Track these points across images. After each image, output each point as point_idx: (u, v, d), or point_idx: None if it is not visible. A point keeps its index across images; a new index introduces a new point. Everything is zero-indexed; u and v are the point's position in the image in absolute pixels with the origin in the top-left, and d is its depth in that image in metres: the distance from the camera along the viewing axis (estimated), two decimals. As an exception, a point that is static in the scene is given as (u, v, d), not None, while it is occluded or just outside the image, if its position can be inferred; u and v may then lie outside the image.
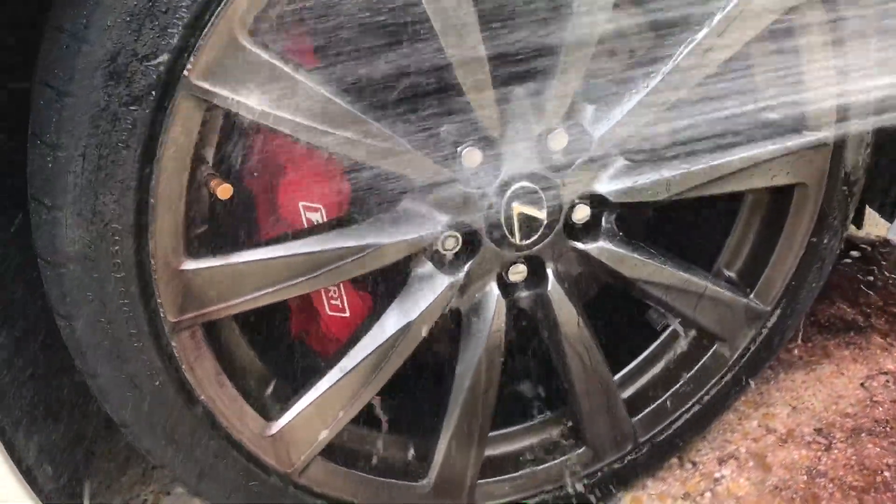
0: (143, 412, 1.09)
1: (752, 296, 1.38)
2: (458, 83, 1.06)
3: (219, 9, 0.91)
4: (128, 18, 0.89)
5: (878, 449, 1.51)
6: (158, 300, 1.03)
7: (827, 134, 1.26)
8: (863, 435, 1.54)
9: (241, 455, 1.16)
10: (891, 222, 1.47)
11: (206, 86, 0.94)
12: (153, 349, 1.05)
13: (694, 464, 1.51)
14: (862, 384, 1.65)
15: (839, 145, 1.28)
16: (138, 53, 0.90)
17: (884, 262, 1.96)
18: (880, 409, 1.59)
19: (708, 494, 1.46)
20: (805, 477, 1.48)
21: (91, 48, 0.89)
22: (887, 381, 1.65)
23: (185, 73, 0.92)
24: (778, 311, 1.41)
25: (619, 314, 1.41)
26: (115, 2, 0.88)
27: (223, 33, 0.93)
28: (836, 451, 1.52)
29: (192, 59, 0.92)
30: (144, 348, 1.05)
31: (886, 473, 1.47)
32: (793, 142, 1.24)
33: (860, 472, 1.47)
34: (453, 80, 1.06)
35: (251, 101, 0.96)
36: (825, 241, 1.36)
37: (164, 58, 0.91)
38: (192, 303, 1.04)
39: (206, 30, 0.92)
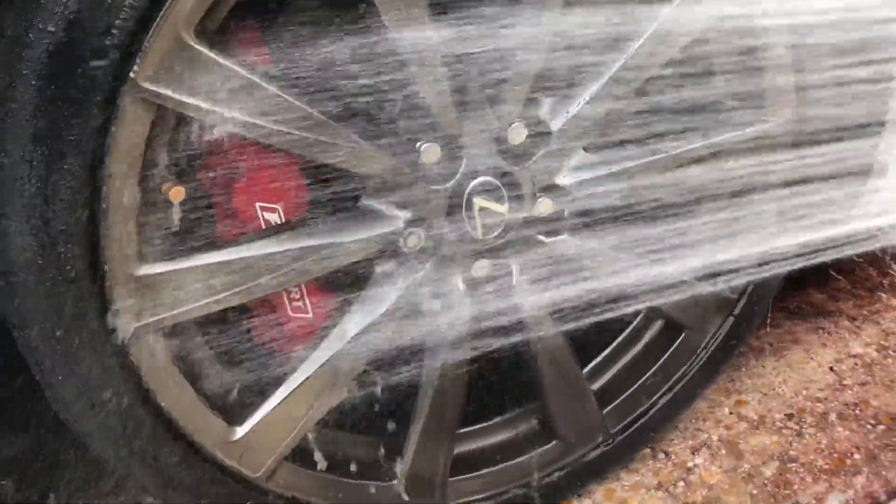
0: (103, 421, 1.07)
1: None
2: (414, 78, 1.05)
3: (163, 9, 0.90)
4: (70, 21, 0.87)
5: (848, 432, 1.52)
6: (114, 308, 1.01)
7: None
8: (833, 419, 1.55)
9: (206, 461, 1.14)
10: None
11: (154, 88, 0.92)
12: (111, 357, 1.03)
13: (667, 453, 1.52)
14: (831, 368, 1.66)
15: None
16: (82, 56, 0.88)
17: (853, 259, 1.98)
18: (849, 392, 1.60)
19: (681, 483, 1.46)
20: (777, 463, 1.48)
21: (33, 52, 0.88)
22: (856, 364, 1.66)
23: (132, 75, 0.91)
24: (744, 299, 1.41)
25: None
26: (56, 5, 0.86)
27: (169, 34, 0.91)
28: (806, 436, 1.52)
29: (138, 61, 0.90)
30: (101, 357, 1.03)
31: (856, 456, 1.48)
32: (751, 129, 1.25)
33: (830, 456, 1.48)
34: (409, 76, 1.05)
35: (201, 102, 0.95)
36: (789, 227, 1.36)
37: (108, 60, 0.89)
38: (149, 309, 1.03)
39: (151, 31, 0.90)
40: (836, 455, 1.48)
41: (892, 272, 1.88)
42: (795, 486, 1.44)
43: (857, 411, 1.56)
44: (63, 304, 0.98)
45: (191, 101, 0.94)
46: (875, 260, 1.93)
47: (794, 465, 1.48)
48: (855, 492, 1.42)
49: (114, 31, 0.88)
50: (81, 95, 0.90)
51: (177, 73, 0.93)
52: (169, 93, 0.93)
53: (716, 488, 1.45)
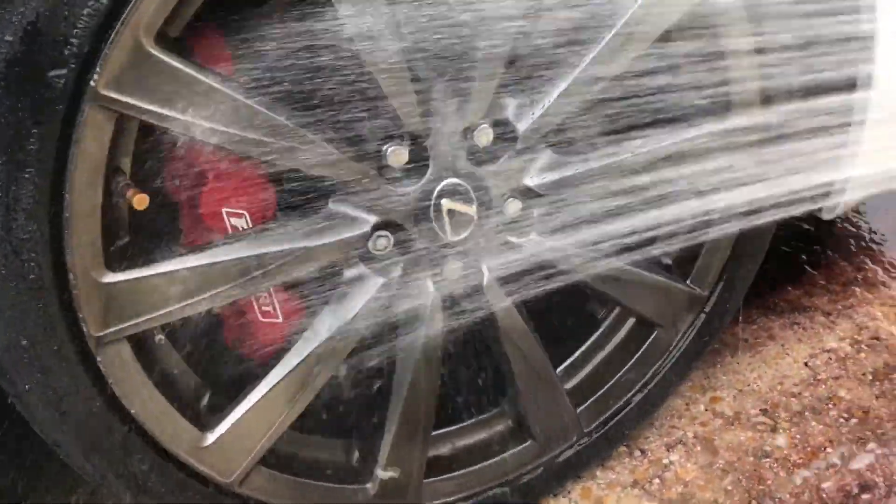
0: (73, 429, 1.07)
1: (688, 281, 1.39)
2: (379, 83, 1.05)
3: (122, 16, 0.90)
4: (27, 30, 0.87)
5: (822, 426, 1.53)
6: (80, 315, 1.01)
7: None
8: (807, 413, 1.56)
9: (178, 468, 1.14)
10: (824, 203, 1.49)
11: (115, 95, 0.92)
12: (78, 365, 1.03)
13: (643, 451, 1.52)
14: (806, 363, 1.67)
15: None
16: (41, 66, 0.88)
17: (826, 241, 1.99)
18: (823, 386, 1.61)
19: (657, 481, 1.47)
20: (752, 458, 1.49)
21: (-9, 61, 0.87)
22: (830, 358, 1.67)
23: (92, 83, 0.91)
24: (716, 295, 1.42)
25: (560, 306, 1.41)
26: (13, 14, 0.86)
27: (128, 41, 0.91)
28: (781, 432, 1.54)
29: (97, 68, 0.90)
30: (69, 365, 1.03)
31: (829, 450, 1.49)
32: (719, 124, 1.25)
33: (804, 451, 1.49)
34: (374, 80, 1.05)
35: (163, 109, 0.95)
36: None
37: (67, 69, 0.89)
38: (116, 316, 1.03)
39: (110, 38, 0.90)
40: (809, 449, 1.49)
41: (865, 267, 1.90)
42: (769, 482, 1.45)
43: (831, 405, 1.57)
44: (28, 312, 0.98)
45: (152, 108, 0.94)
46: (849, 255, 1.94)
47: (768, 460, 1.49)
48: (828, 485, 1.43)
49: (72, 40, 0.88)
50: (41, 104, 0.90)
51: (137, 81, 0.93)
52: (130, 100, 0.93)
53: (691, 485, 1.46)
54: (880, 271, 1.89)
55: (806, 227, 2.01)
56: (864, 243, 1.99)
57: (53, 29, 0.88)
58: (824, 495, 1.42)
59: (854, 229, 2.03)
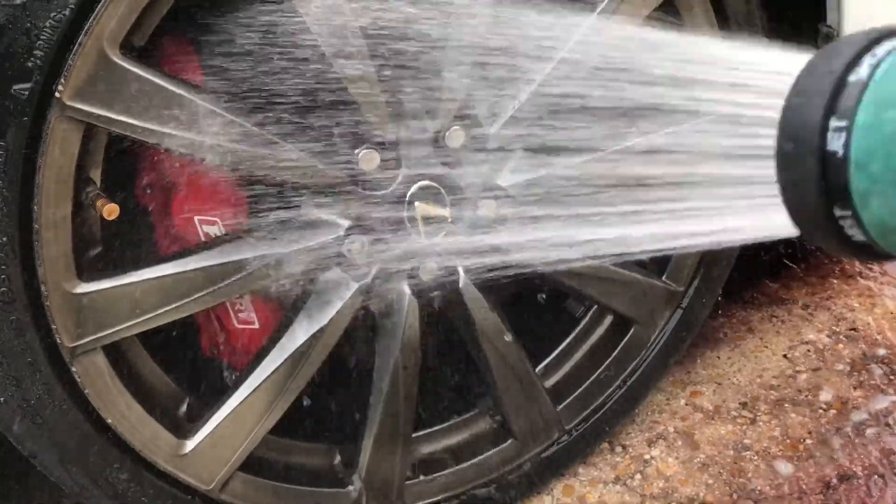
0: (50, 440, 1.07)
1: (664, 277, 1.40)
2: (347, 88, 1.06)
3: (86, 27, 0.90)
4: (-10, 42, 0.87)
5: (801, 418, 1.54)
6: (54, 326, 1.01)
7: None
8: (786, 405, 1.57)
9: (157, 477, 1.14)
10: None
11: (81, 106, 0.92)
12: (53, 376, 1.03)
13: (624, 447, 1.53)
14: (785, 355, 1.68)
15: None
16: (5, 77, 0.88)
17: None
18: (802, 378, 1.62)
19: (638, 476, 1.48)
20: (732, 451, 1.50)
21: (-45, 75, 0.87)
22: (808, 350, 1.69)
23: (57, 94, 0.91)
24: (692, 290, 1.43)
25: (537, 305, 1.42)
26: (-24, 27, 0.86)
27: (93, 51, 0.91)
28: (761, 424, 1.54)
29: (62, 80, 0.91)
30: (44, 376, 1.03)
31: (808, 441, 1.50)
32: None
33: (784, 443, 1.50)
34: (343, 85, 1.06)
35: (130, 119, 0.95)
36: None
37: (32, 81, 0.89)
38: (90, 326, 1.03)
39: (74, 49, 0.90)
40: (789, 441, 1.50)
41: (842, 259, 1.91)
42: (750, 474, 1.46)
43: (810, 397, 1.58)
44: (1, 325, 0.98)
45: (119, 117, 0.95)
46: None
47: (748, 452, 1.50)
48: (808, 476, 1.44)
49: (36, 52, 0.88)
50: (6, 117, 0.90)
51: (103, 91, 0.93)
52: (96, 110, 0.93)
53: (672, 479, 1.47)
54: (857, 262, 1.90)
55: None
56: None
57: (16, 41, 0.88)
58: (804, 486, 1.43)
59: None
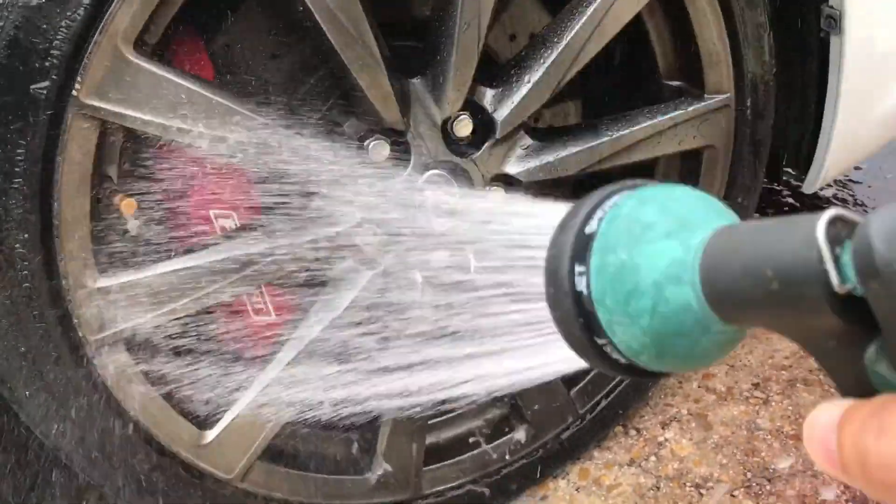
0: (75, 433, 1.09)
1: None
2: (356, 80, 1.07)
3: (100, 25, 0.92)
4: (7, 44, 0.89)
5: (813, 397, 1.55)
6: (76, 321, 1.03)
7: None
8: (798, 385, 1.59)
9: (179, 466, 1.16)
10: (803, 177, 1.51)
11: (97, 103, 0.95)
12: (77, 370, 1.05)
13: (638, 430, 1.55)
14: (796, 336, 1.69)
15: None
16: (23, 78, 0.90)
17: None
18: (813, 358, 1.63)
19: (653, 458, 1.49)
20: (745, 432, 1.52)
21: (-25, 76, 0.90)
22: (819, 330, 1.69)
23: (74, 92, 0.93)
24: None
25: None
26: (-7, 28, 0.88)
27: (108, 49, 0.93)
28: (773, 404, 1.56)
29: (79, 78, 0.93)
30: (68, 370, 1.05)
31: (821, 420, 1.51)
32: (694, 106, 1.28)
33: (796, 422, 1.51)
34: (352, 77, 1.07)
35: (145, 115, 0.97)
36: (738, 200, 1.39)
37: (50, 80, 0.91)
38: (111, 320, 1.05)
39: (89, 48, 0.92)
40: (801, 420, 1.52)
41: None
42: (763, 454, 1.47)
43: (821, 376, 1.60)
44: (25, 320, 1.01)
45: (135, 114, 0.97)
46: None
47: (761, 432, 1.51)
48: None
49: (53, 52, 0.91)
50: (26, 116, 0.92)
51: (119, 88, 0.95)
52: (112, 107, 0.95)
53: (687, 460, 1.48)
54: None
55: (791, 201, 2.03)
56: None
57: (34, 42, 0.90)
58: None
59: (839, 202, 2.06)
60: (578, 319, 0.56)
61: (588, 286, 0.55)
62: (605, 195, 0.57)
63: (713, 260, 0.50)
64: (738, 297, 0.49)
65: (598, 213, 0.56)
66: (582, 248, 0.56)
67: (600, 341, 0.56)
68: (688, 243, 0.52)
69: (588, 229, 0.56)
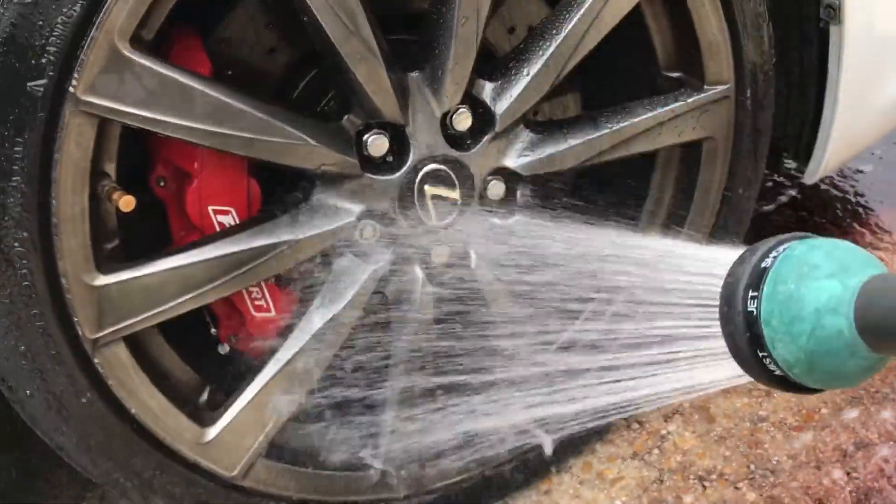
0: (76, 432, 1.09)
1: (675, 252, 1.41)
2: (354, 74, 1.07)
3: (96, 21, 0.91)
4: (3, 42, 0.89)
5: (815, 388, 1.55)
6: (75, 319, 1.03)
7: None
8: (800, 377, 1.58)
9: (181, 464, 1.16)
10: (804, 168, 1.51)
11: (94, 100, 0.94)
12: (77, 368, 1.05)
13: (640, 423, 1.54)
14: (797, 328, 1.69)
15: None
16: (19, 75, 0.90)
17: (812, 206, 2.01)
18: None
19: (656, 451, 1.49)
20: (748, 424, 1.51)
21: (-29, 74, 0.89)
22: (821, 321, 1.69)
23: (71, 89, 0.93)
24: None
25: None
26: (-12, 26, 0.88)
27: (104, 46, 0.93)
28: (776, 396, 1.55)
29: (75, 75, 0.92)
30: (68, 368, 1.05)
31: (824, 411, 1.51)
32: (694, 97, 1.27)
33: (799, 413, 1.51)
34: (350, 72, 1.07)
35: (142, 111, 0.97)
36: (739, 192, 1.39)
37: (46, 77, 0.91)
38: (110, 318, 1.04)
39: (86, 44, 0.92)
40: (804, 411, 1.52)
41: (853, 230, 1.92)
42: (767, 445, 1.47)
43: (824, 367, 1.59)
44: (24, 319, 1.00)
45: (132, 110, 0.96)
46: (836, 219, 1.96)
47: (764, 424, 1.51)
48: (824, 445, 1.45)
49: (49, 48, 0.90)
50: (22, 113, 0.91)
51: (115, 84, 0.94)
52: (109, 104, 0.95)
53: (690, 453, 1.48)
54: (868, 234, 1.90)
55: (791, 192, 2.03)
56: (850, 207, 2.00)
57: (30, 39, 0.89)
58: (821, 455, 1.44)
59: (840, 193, 2.05)
60: (745, 334, 0.71)
61: (758, 308, 0.70)
62: (780, 241, 0.74)
63: (867, 299, 0.65)
64: (885, 331, 0.64)
65: (773, 253, 0.72)
66: (757, 278, 0.71)
67: (761, 354, 0.71)
68: (846, 283, 0.67)
69: (764, 264, 0.72)
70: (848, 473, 1.41)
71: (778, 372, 0.71)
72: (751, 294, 0.71)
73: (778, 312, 0.69)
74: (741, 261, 0.74)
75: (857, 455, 1.43)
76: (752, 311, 0.71)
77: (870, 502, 1.37)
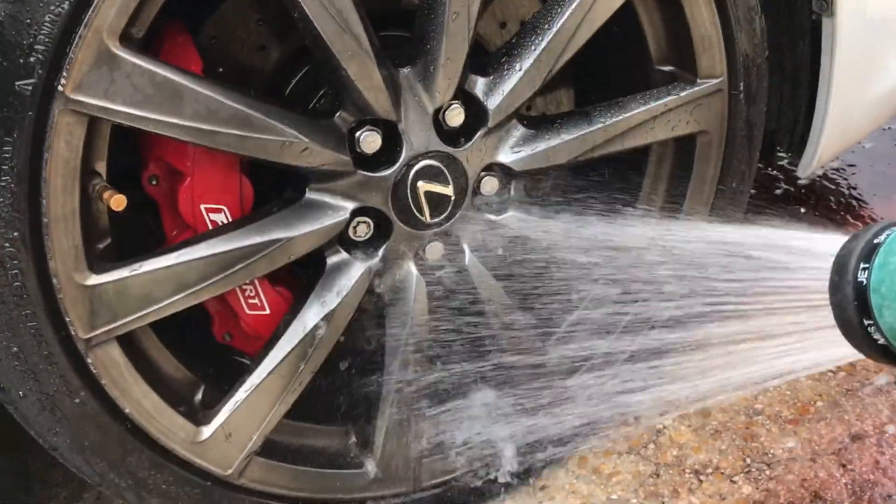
0: (70, 433, 1.08)
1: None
2: (345, 71, 1.06)
3: (85, 20, 0.91)
4: (-8, 40, 0.88)
5: (810, 381, 1.55)
6: (68, 319, 1.02)
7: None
8: (795, 370, 1.58)
9: (176, 464, 1.16)
10: (798, 161, 1.50)
11: (83, 98, 0.93)
12: (70, 368, 1.05)
13: (636, 418, 1.54)
14: (792, 321, 1.69)
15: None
16: (8, 73, 0.89)
17: (806, 200, 2.01)
18: None
19: (651, 446, 1.49)
20: (744, 417, 1.52)
21: (-41, 73, 0.89)
22: (816, 315, 1.69)
23: (60, 88, 0.92)
24: (697, 260, 1.44)
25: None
26: (-24, 26, 0.87)
27: (93, 44, 0.92)
28: (771, 389, 1.56)
29: (64, 73, 0.92)
30: (61, 369, 1.04)
31: (819, 403, 1.51)
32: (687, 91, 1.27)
33: (794, 406, 1.51)
34: (341, 69, 1.07)
35: (132, 109, 0.96)
36: (733, 185, 1.38)
37: (35, 76, 0.90)
38: (103, 317, 1.04)
39: (74, 42, 0.91)
40: (799, 404, 1.52)
41: (847, 223, 1.92)
42: (762, 438, 1.47)
43: (819, 360, 1.59)
44: (16, 319, 1.00)
45: (122, 108, 0.95)
46: (830, 212, 1.96)
47: (760, 417, 1.51)
48: (820, 438, 1.45)
49: (37, 47, 0.89)
50: (11, 113, 0.91)
51: (105, 83, 0.94)
52: (99, 102, 0.94)
53: (685, 447, 1.48)
54: (861, 227, 1.90)
55: (785, 186, 2.03)
56: (843, 200, 2.01)
57: (17, 38, 0.89)
58: (817, 447, 1.44)
59: (833, 187, 2.05)
60: (854, 302, 0.78)
61: (868, 278, 0.77)
62: (893, 223, 0.82)
63: None
64: None
65: (888, 231, 0.80)
66: (869, 251, 0.78)
67: (867, 322, 0.77)
68: None
69: (877, 240, 0.79)
70: (843, 466, 1.41)
71: (881, 341, 0.77)
72: (862, 266, 0.77)
73: (889, 281, 0.75)
74: (854, 237, 0.81)
75: (853, 447, 1.43)
76: (862, 281, 0.77)
77: (865, 495, 1.37)
